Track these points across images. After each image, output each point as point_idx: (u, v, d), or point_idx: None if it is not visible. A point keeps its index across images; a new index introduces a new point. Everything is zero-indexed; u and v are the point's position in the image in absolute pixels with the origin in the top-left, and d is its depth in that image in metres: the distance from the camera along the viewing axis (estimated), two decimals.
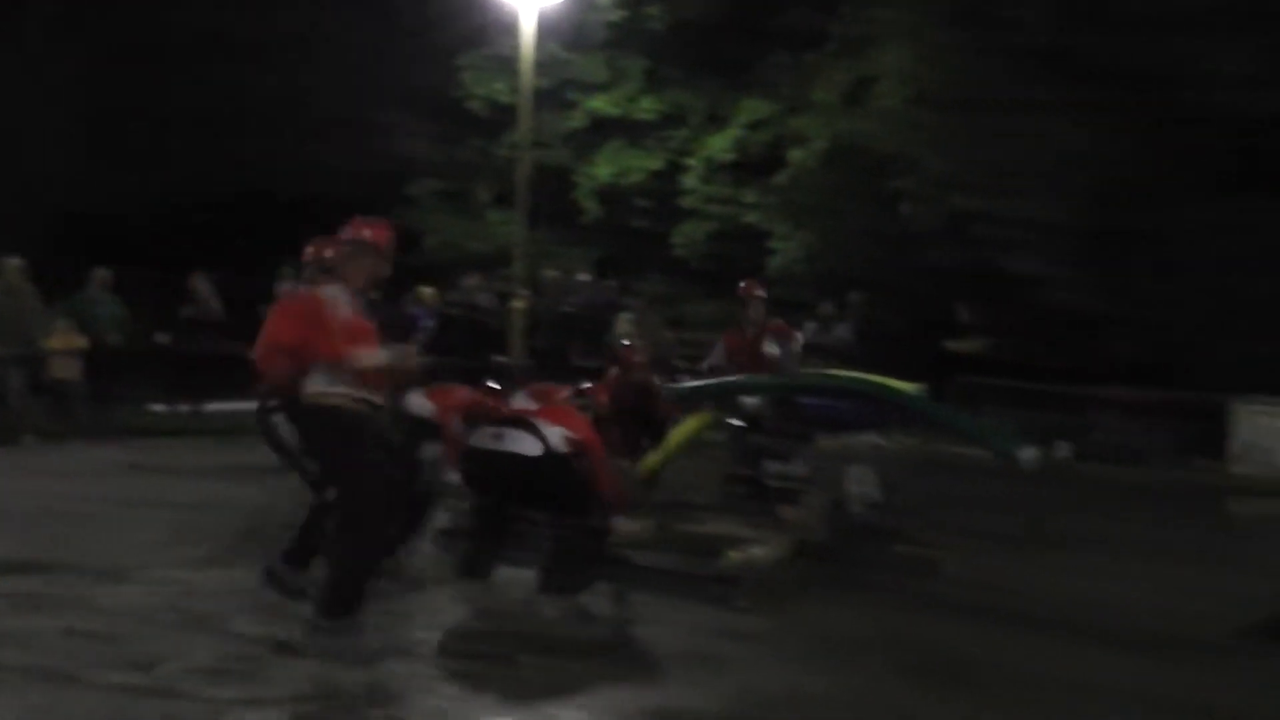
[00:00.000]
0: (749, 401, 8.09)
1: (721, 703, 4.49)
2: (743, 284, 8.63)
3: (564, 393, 6.98)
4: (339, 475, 5.07)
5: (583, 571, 5.82)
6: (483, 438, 5.76)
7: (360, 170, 20.20)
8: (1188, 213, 14.34)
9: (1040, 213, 14.41)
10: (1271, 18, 13.63)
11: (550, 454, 5.62)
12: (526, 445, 5.62)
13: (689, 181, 19.46)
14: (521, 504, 5.89)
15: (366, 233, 5.17)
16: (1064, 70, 14.55)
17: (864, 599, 6.20)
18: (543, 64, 17.78)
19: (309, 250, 5.79)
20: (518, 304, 14.23)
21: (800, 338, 8.76)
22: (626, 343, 8.47)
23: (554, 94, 19.72)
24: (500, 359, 13.12)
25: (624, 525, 6.66)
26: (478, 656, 5.00)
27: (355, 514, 4.91)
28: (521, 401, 6.19)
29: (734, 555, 6.36)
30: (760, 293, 8.50)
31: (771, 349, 8.17)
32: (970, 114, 15.01)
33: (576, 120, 20.39)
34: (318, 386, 5.02)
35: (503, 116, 19.45)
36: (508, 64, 18.10)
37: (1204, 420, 12.94)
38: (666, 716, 4.33)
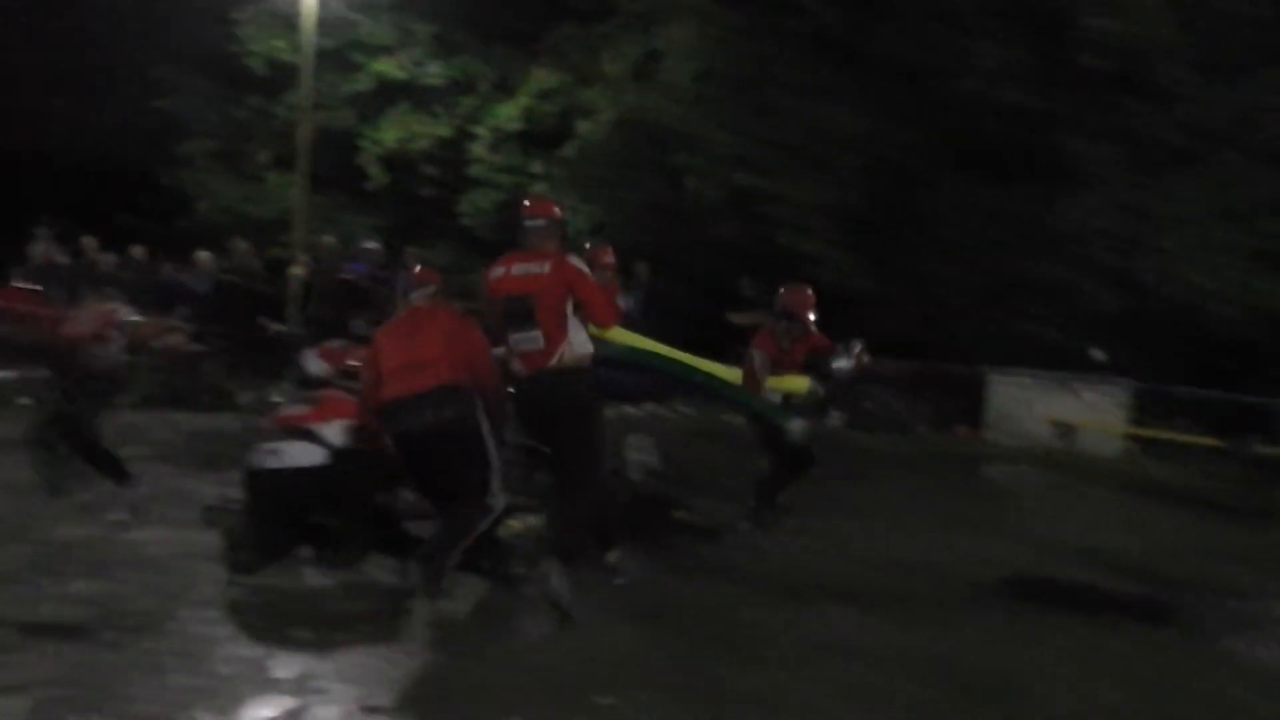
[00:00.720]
0: None
1: (499, 671, 4.53)
2: (784, 291, 7.47)
3: (358, 355, 6.96)
4: (595, 434, 5.51)
5: (364, 543, 5.79)
6: (260, 457, 5.58)
7: (128, 127, 19.16)
8: (950, 196, 15.19)
9: (815, 193, 14.94)
10: (1019, 17, 14.55)
11: (336, 455, 5.52)
12: (308, 455, 5.52)
13: (477, 150, 19.23)
14: (312, 512, 5.72)
15: (556, 210, 5.63)
16: (837, 56, 15.14)
17: (640, 565, 6.33)
18: (326, 23, 17.22)
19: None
20: (296, 271, 13.80)
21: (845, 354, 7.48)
22: (589, 245, 7.98)
23: (337, 55, 19.12)
24: (278, 327, 12.73)
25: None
26: (246, 631, 4.88)
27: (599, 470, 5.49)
28: (298, 402, 6.10)
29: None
30: (810, 315, 7.39)
31: (841, 362, 7.35)
32: (751, 93, 15.39)
33: (361, 83, 19.83)
34: (580, 350, 5.48)
35: (283, 76, 18.74)
36: (289, 21, 17.45)
37: (964, 391, 13.73)
38: (438, 684, 4.34)
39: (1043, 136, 14.90)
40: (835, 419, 13.52)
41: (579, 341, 5.49)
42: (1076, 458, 11.64)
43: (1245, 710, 4.62)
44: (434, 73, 19.81)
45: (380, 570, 5.82)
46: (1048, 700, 4.59)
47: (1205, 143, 14.54)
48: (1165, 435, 12.13)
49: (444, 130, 19.71)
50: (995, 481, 11.20)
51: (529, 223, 5.58)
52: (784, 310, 7.36)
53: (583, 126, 17.65)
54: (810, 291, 7.50)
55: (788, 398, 7.37)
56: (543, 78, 18.91)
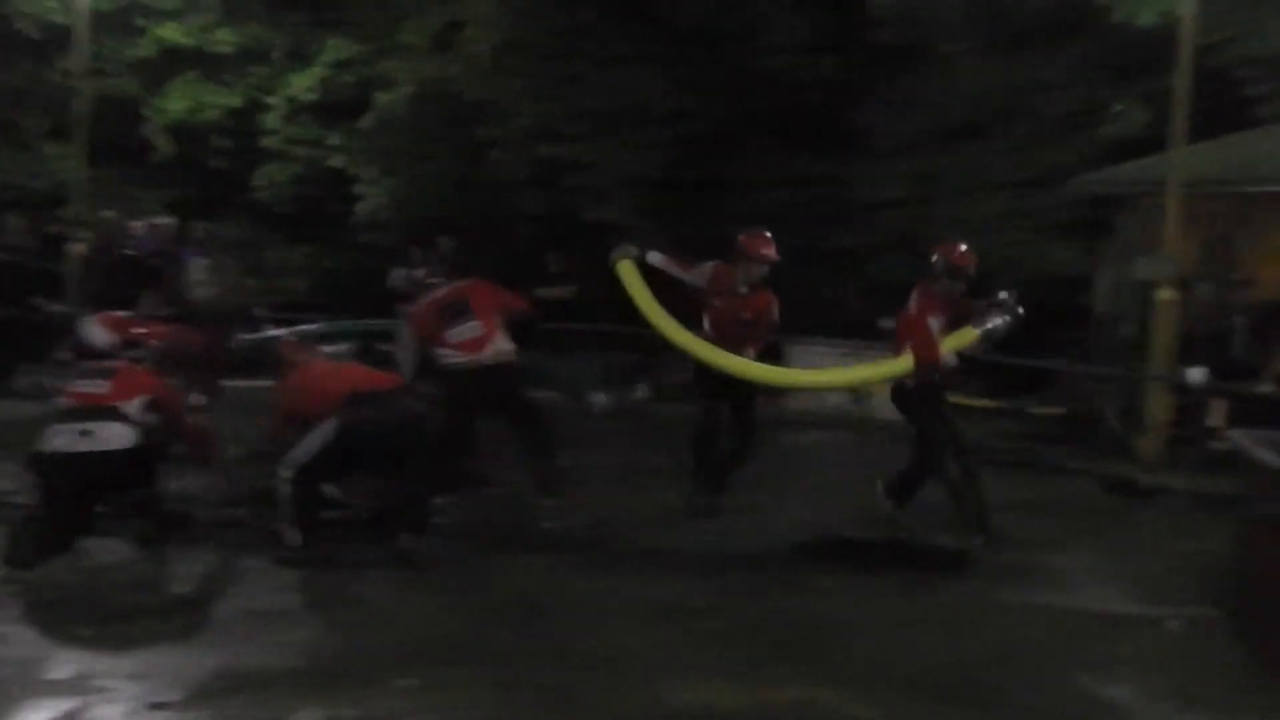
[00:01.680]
0: (332, 351, 7.93)
1: (295, 659, 4.40)
2: (944, 249, 7.05)
3: (141, 325, 6.72)
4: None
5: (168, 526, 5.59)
6: (65, 439, 5.23)
7: None
8: (753, 167, 15.49)
9: (620, 164, 14.99)
10: None
11: (143, 435, 5.29)
12: (119, 437, 5.24)
13: (270, 121, 18.52)
14: (111, 493, 5.45)
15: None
16: (641, 25, 15.21)
17: (440, 544, 6.21)
18: None
19: None
20: (77, 247, 13.03)
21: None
22: (743, 235, 7.40)
23: (118, 18, 18.08)
24: (56, 307, 12.01)
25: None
26: (20, 631, 4.61)
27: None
28: (88, 377, 5.80)
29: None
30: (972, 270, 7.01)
31: (996, 321, 6.72)
32: (555, 64, 15.32)
33: (145, 49, 18.80)
34: (508, 345, 6.77)
35: (58, 39, 17.60)
36: None
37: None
38: (231, 677, 4.18)
39: (841, 108, 15.35)
40: (641, 391, 13.63)
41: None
42: (874, 421, 12.06)
43: (1025, 649, 4.90)
44: (222, 39, 18.95)
45: (167, 560, 5.59)
46: (852, 650, 4.78)
47: (990, 115, 15.27)
48: (954, 399, 12.69)
49: (235, 100, 18.90)
50: (799, 446, 11.50)
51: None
52: (950, 268, 6.96)
53: (381, 98, 17.22)
54: (965, 247, 7.11)
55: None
56: (339, 47, 18.33)
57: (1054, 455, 10.26)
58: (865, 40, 14.89)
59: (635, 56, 15.28)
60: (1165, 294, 9.98)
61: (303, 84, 18.41)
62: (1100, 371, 11.53)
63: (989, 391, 12.29)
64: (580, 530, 6.72)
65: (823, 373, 7.52)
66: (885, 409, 12.62)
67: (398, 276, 14.02)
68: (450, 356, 6.73)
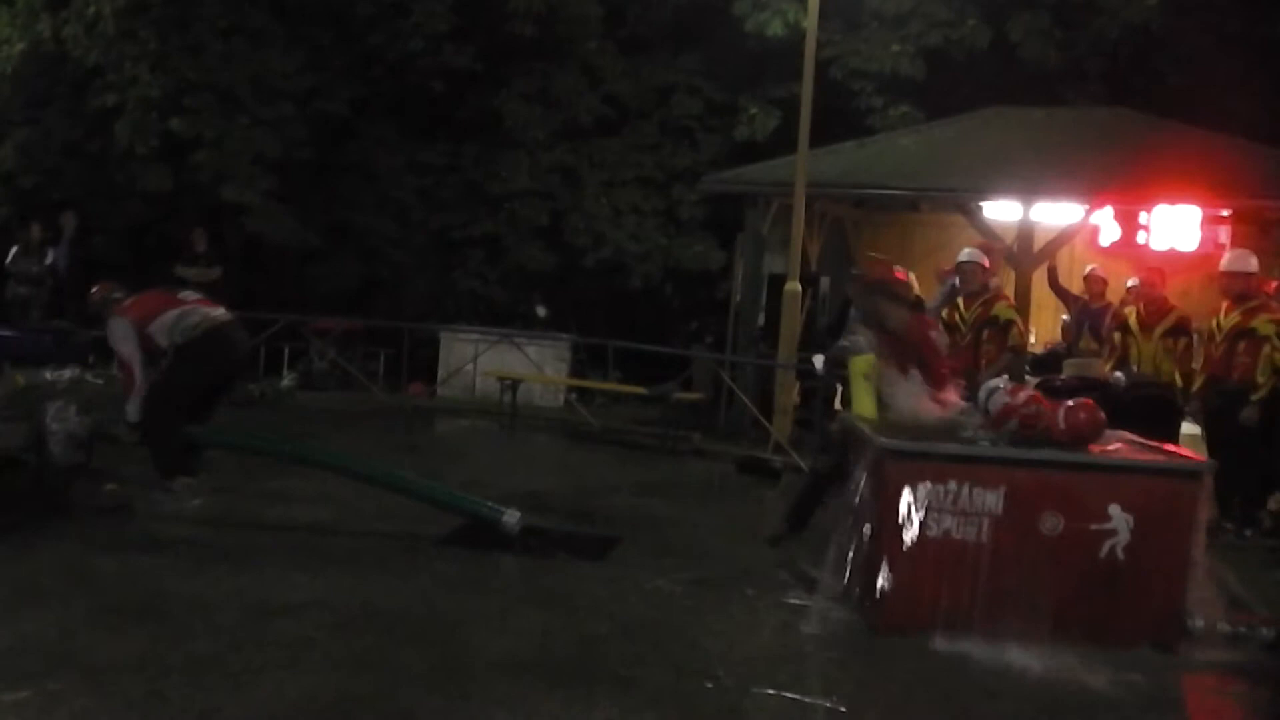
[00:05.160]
0: None
1: None
2: None
3: None
4: None
5: None
6: None
7: None
8: (394, 154, 15.31)
9: (253, 142, 14.37)
10: None
11: None
12: None
13: None
14: None
15: None
16: (278, 2, 14.69)
17: (61, 541, 5.81)
18: None
19: None
20: None
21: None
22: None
23: None
24: None
25: None
26: None
27: None
28: None
29: None
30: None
31: None
32: (183, 34, 14.46)
33: None
34: None
35: None
36: None
37: (421, 347, 13.91)
38: None
39: (480, 99, 15.45)
40: (288, 378, 13.13)
41: None
42: (522, 409, 12.23)
43: (652, 628, 5.09)
44: None
45: None
46: (475, 637, 4.77)
47: (624, 113, 15.88)
48: (600, 385, 13.11)
49: None
50: (446, 435, 11.49)
51: None
52: None
53: None
54: None
55: None
56: None
57: (694, 439, 10.74)
58: (502, 33, 15.06)
59: (258, 29, 14.68)
60: (791, 287, 10.70)
61: None
62: (738, 359, 12.23)
63: (637, 378, 12.75)
64: (202, 529, 6.36)
65: None
66: (535, 397, 12.92)
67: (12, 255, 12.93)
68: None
